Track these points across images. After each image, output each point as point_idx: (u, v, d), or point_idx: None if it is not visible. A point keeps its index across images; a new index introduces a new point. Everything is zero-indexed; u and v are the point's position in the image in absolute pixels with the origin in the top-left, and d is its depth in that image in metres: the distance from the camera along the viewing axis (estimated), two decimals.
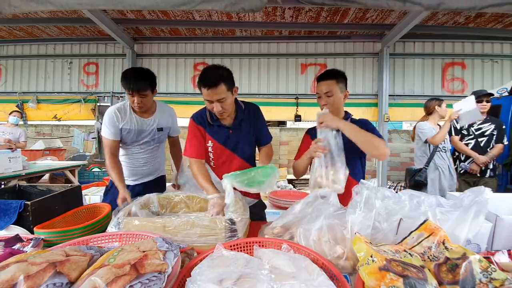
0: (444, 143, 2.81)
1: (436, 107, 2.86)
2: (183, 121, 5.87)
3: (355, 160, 1.43)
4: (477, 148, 2.84)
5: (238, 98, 1.50)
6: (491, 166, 2.87)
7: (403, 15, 3.92)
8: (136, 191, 1.71)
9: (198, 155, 1.42)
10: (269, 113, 5.23)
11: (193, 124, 1.45)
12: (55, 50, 5.37)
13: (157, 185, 1.87)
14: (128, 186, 1.65)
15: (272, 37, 5.05)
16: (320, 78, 1.42)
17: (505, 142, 2.85)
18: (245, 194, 1.22)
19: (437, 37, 4.81)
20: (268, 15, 4.19)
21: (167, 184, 1.99)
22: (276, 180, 1.09)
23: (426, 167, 2.82)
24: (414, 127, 3.09)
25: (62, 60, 5.37)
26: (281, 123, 7.59)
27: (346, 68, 5.09)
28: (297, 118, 5.09)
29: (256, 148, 1.60)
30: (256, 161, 1.61)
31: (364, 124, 1.39)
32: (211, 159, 1.50)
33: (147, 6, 1.17)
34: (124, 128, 1.66)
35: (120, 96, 5.25)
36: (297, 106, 5.12)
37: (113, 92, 5.25)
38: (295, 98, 5.12)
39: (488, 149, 2.83)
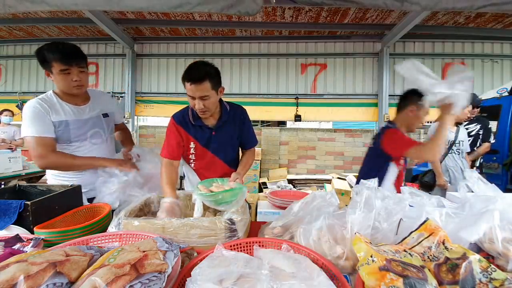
0: (460, 145, 2.72)
1: None
2: None
3: None
4: None
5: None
6: (477, 164, 2.96)
7: (403, 15, 3.93)
8: None
9: (171, 155, 1.37)
10: (269, 113, 5.24)
11: (173, 123, 1.40)
12: None
13: None
14: None
15: (272, 37, 5.06)
16: None
17: (492, 140, 2.90)
18: None
19: (437, 37, 4.82)
20: (268, 15, 4.19)
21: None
22: (244, 198, 1.07)
23: None
24: None
25: None
26: (281, 123, 7.60)
27: (346, 68, 5.10)
28: (297, 118, 5.09)
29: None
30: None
31: None
32: (192, 160, 1.46)
33: (143, 7, 1.17)
34: (57, 122, 1.32)
35: (120, 96, 5.26)
36: (297, 106, 5.13)
37: (113, 92, 5.25)
38: (295, 98, 5.12)
39: (475, 148, 2.88)
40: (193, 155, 1.44)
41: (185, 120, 1.39)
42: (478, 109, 2.93)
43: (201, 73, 1.19)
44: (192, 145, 1.41)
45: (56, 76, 1.28)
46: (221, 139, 1.43)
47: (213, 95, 1.25)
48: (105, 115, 1.51)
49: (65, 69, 1.27)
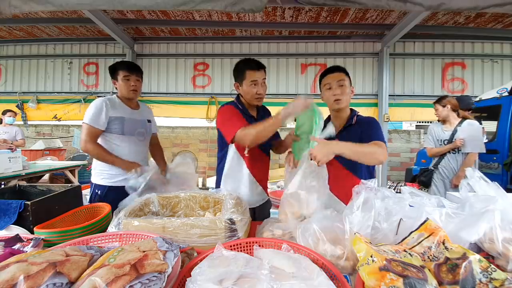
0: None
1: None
2: (184, 121, 5.82)
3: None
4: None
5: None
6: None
7: (403, 15, 3.92)
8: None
9: (245, 125, 1.43)
10: None
11: (232, 107, 1.55)
12: (55, 50, 5.37)
13: None
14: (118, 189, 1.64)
15: (272, 37, 5.05)
16: (329, 71, 1.46)
17: (484, 139, 2.89)
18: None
19: (437, 37, 4.81)
20: (268, 15, 4.19)
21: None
22: (321, 116, 1.31)
23: (433, 168, 2.76)
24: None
25: (62, 60, 5.37)
26: None
27: (346, 68, 5.08)
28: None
29: None
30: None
31: (369, 125, 1.39)
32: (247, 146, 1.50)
33: (147, 6, 1.17)
34: (115, 117, 1.70)
35: None
36: None
37: (113, 92, 5.25)
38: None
39: None
40: None
41: (238, 107, 1.58)
42: (470, 111, 2.90)
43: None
44: None
45: (120, 81, 1.75)
46: None
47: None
48: (149, 121, 1.94)
49: (127, 75, 1.74)
